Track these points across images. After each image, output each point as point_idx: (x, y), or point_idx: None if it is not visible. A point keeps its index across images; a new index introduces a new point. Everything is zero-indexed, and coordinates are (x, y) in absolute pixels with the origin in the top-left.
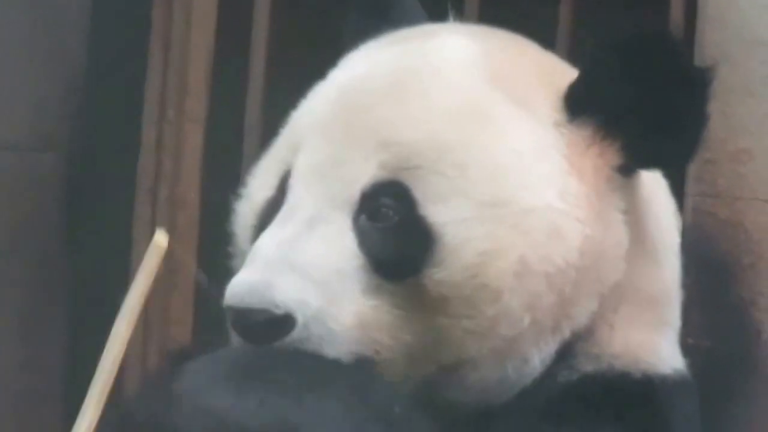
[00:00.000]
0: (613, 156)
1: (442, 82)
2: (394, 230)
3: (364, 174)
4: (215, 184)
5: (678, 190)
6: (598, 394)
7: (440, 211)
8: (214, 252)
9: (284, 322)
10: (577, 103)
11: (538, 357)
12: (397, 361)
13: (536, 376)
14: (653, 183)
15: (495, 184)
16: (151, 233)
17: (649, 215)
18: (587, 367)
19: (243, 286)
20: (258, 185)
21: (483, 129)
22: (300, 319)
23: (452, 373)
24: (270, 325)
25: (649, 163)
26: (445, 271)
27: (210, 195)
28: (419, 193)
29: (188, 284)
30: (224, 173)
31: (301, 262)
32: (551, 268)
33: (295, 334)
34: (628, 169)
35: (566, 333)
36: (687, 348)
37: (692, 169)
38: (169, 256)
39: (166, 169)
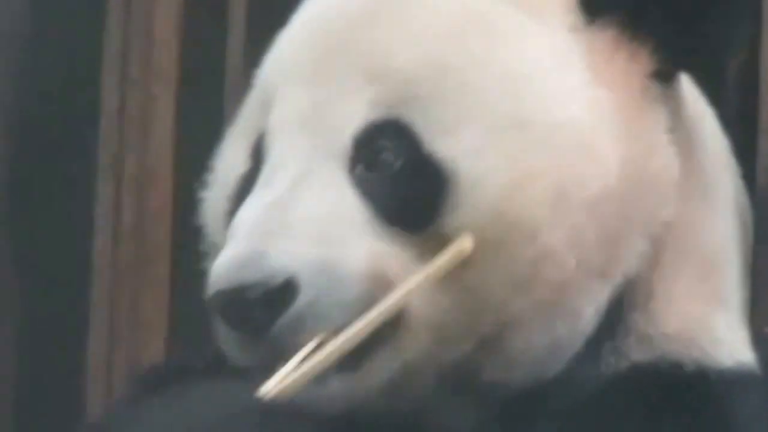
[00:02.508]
0: (645, 60)
1: None
2: (399, 177)
3: (353, 116)
4: (191, 156)
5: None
6: (650, 393)
7: (450, 143)
8: (193, 239)
9: (285, 290)
10: (594, 1)
11: (590, 309)
12: (425, 333)
13: (582, 352)
14: (701, 106)
15: (509, 102)
16: (116, 216)
17: (699, 140)
18: (637, 353)
19: (228, 264)
20: (226, 164)
21: (488, 41)
22: (303, 279)
23: (493, 344)
24: (269, 301)
25: (688, 62)
26: (467, 214)
27: (185, 170)
28: (422, 127)
29: (161, 279)
30: (202, 143)
31: (294, 222)
32: (589, 194)
33: (301, 300)
34: (666, 76)
35: (617, 277)
36: (760, 338)
37: (764, 122)
38: (139, 245)
39: (131, 140)
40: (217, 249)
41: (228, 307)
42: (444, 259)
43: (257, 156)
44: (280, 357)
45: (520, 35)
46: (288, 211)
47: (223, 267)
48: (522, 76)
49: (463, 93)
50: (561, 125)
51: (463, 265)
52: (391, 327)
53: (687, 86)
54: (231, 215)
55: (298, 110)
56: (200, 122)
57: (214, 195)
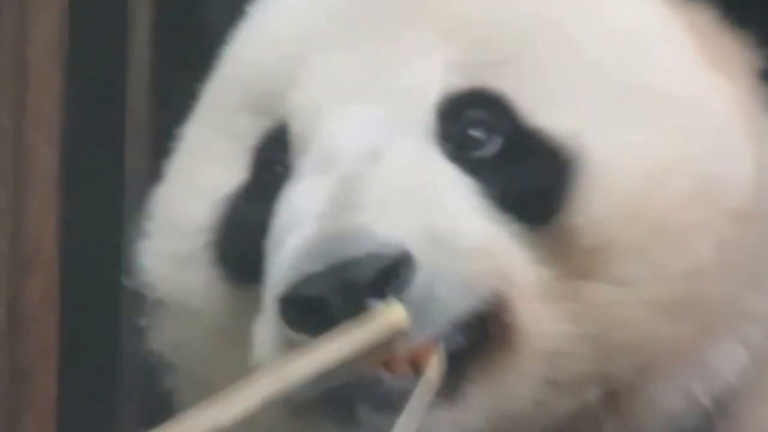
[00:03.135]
0: (750, 55)
1: None
2: (503, 158)
3: (429, 83)
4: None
5: None
6: None
7: (561, 116)
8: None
9: (401, 268)
10: None
11: (728, 364)
12: (538, 364)
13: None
14: None
15: (628, 65)
16: None
17: None
18: None
19: (312, 245)
20: (182, 192)
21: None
22: (422, 252)
23: (622, 395)
24: (381, 280)
25: None
26: (597, 207)
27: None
28: (518, 96)
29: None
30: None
31: (386, 193)
32: (732, 197)
33: (419, 279)
34: None
35: (759, 326)
36: None
37: None
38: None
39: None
40: (168, 310)
41: (322, 297)
42: (369, 331)
43: (267, 159)
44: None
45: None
46: (373, 183)
47: (304, 251)
48: (637, 37)
49: (567, 51)
50: (694, 102)
51: (588, 272)
52: (497, 346)
53: None
54: (230, 245)
55: (347, 81)
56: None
57: (169, 240)
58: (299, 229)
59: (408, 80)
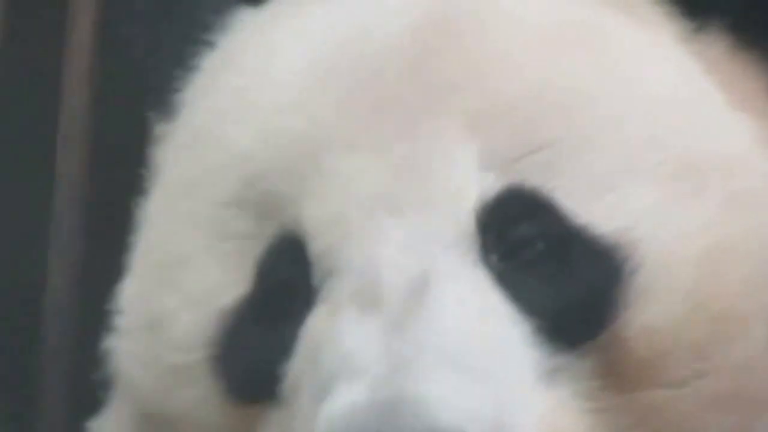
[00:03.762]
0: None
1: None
2: (546, 265)
3: (465, 184)
4: None
5: None
6: None
7: (608, 209)
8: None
9: None
10: (698, 3)
11: None
12: None
13: None
14: None
15: (671, 136)
16: None
17: None
18: None
19: (368, 412)
20: (164, 293)
21: (612, 58)
22: None
23: None
24: None
25: None
26: (655, 308)
27: None
28: (561, 189)
29: None
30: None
31: (438, 347)
32: None
33: None
34: None
35: None
36: None
37: None
38: None
39: None
40: (153, 422)
41: None
42: None
43: (273, 274)
44: None
45: (640, 49)
46: (424, 332)
47: (354, 416)
48: (677, 100)
49: (609, 129)
50: (737, 162)
51: (647, 381)
52: None
53: None
54: (230, 365)
55: (371, 188)
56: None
57: (152, 348)
58: (349, 382)
59: (441, 183)
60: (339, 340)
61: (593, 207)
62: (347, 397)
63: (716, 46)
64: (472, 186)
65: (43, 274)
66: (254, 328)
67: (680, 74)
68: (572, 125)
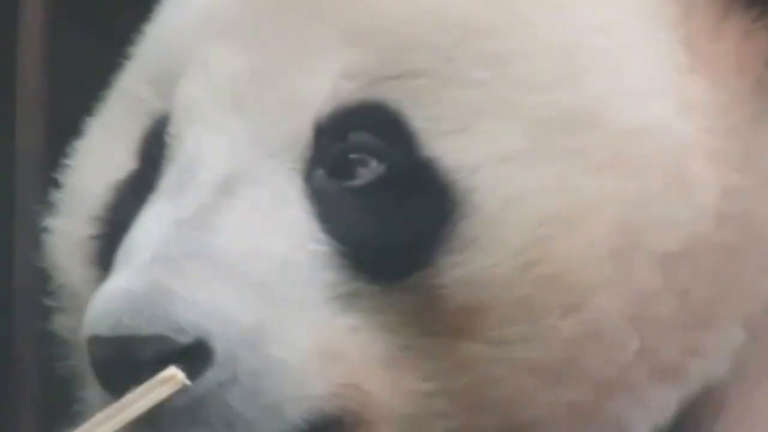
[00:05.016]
0: (765, 39)
1: None
2: (379, 191)
3: (316, 93)
4: None
5: None
6: None
7: (462, 146)
8: None
9: (192, 355)
10: None
11: (643, 428)
12: (398, 429)
13: None
14: None
15: (562, 89)
16: None
17: None
18: None
19: (118, 300)
20: (90, 172)
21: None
22: (220, 347)
23: None
24: (167, 363)
25: None
26: (479, 258)
27: None
28: (418, 118)
29: None
30: None
31: (217, 253)
32: (673, 245)
33: (212, 374)
34: None
35: (693, 383)
36: None
37: None
38: None
39: None
40: (75, 298)
41: (108, 365)
42: (150, 395)
43: (153, 149)
44: None
45: None
46: (210, 235)
47: (107, 304)
48: (581, 48)
49: (487, 68)
50: (636, 132)
51: (461, 333)
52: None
53: None
54: (106, 241)
55: (230, 81)
56: None
57: (70, 220)
58: (127, 264)
59: (291, 88)
60: (138, 226)
61: (445, 142)
62: (113, 281)
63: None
64: (322, 96)
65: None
66: (124, 208)
67: (625, 17)
68: (448, 58)
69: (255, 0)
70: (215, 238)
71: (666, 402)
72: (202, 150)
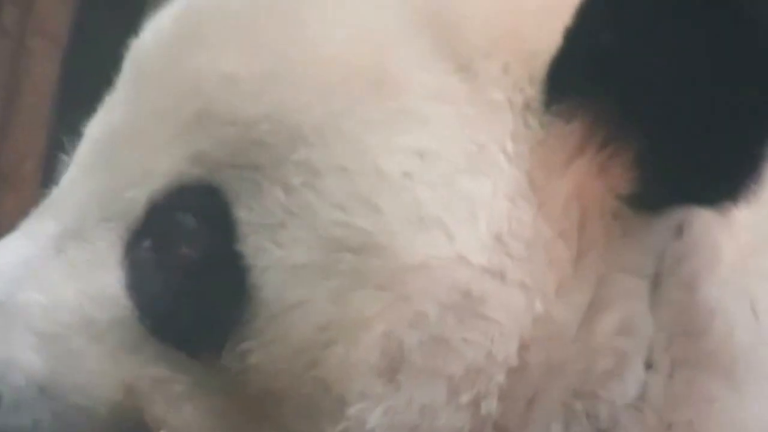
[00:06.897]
0: (620, 176)
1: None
2: (190, 273)
3: (162, 166)
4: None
5: None
6: None
7: (266, 246)
8: None
9: None
10: (566, 74)
11: None
12: None
13: None
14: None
15: (360, 210)
16: None
17: (717, 284)
18: None
19: None
20: None
21: (372, 105)
22: (6, 391)
23: None
24: None
25: (684, 195)
26: (264, 351)
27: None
28: (244, 210)
29: None
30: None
31: (19, 304)
32: (455, 366)
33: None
34: (651, 203)
35: None
36: None
37: None
38: None
39: None
40: None
41: None
42: None
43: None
44: None
45: (421, 108)
46: (24, 285)
47: None
48: (395, 176)
49: (302, 172)
50: (424, 266)
51: (267, 417)
52: None
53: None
54: None
55: (101, 134)
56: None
57: None
58: None
59: (141, 159)
60: None
61: (256, 239)
62: None
63: (562, 126)
64: (164, 172)
65: None
66: None
67: (442, 151)
68: (278, 160)
69: (141, 61)
70: (26, 288)
71: None
72: (62, 194)
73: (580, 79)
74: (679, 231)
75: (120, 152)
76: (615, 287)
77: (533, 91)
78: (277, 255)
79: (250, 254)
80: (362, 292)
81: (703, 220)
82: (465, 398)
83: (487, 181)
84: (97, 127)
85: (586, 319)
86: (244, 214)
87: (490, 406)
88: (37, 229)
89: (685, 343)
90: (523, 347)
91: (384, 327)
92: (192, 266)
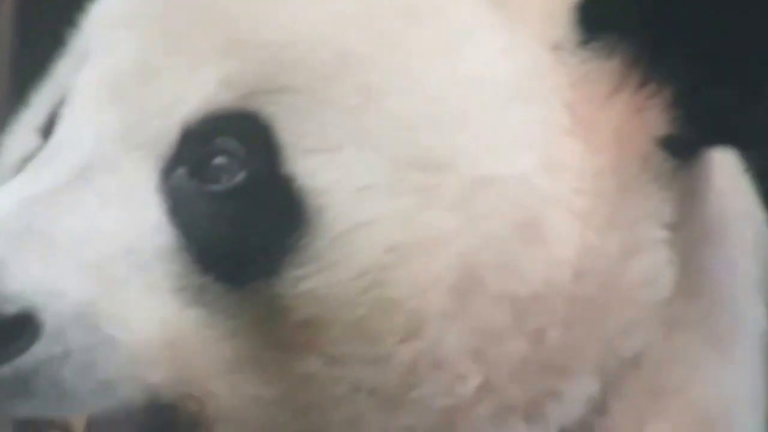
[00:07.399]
0: (656, 117)
1: None
2: (235, 198)
3: (191, 94)
4: None
5: None
6: None
7: (323, 167)
8: None
9: (19, 327)
10: (600, 12)
11: None
12: None
13: None
14: (735, 189)
15: (427, 129)
16: None
17: (720, 247)
18: None
19: None
20: (17, 141)
21: (419, 33)
22: (49, 320)
23: None
24: None
25: (725, 135)
26: (323, 275)
27: None
28: (288, 134)
29: None
30: None
31: (59, 231)
32: (521, 288)
33: (40, 348)
34: (684, 147)
35: (547, 427)
36: None
37: None
38: None
39: None
40: None
41: None
42: None
43: (50, 125)
44: None
45: (470, 32)
46: (56, 214)
47: None
48: (454, 93)
49: (357, 97)
50: (495, 180)
51: (301, 347)
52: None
53: (719, 155)
54: None
55: (113, 72)
56: None
57: None
58: None
59: (168, 87)
60: None
61: (307, 161)
62: None
63: (598, 66)
64: (195, 99)
65: None
66: None
67: (504, 73)
68: (326, 81)
69: (148, 10)
70: (60, 217)
71: None
72: (71, 134)
73: (615, 15)
74: (697, 189)
75: (138, 86)
76: (643, 235)
77: (569, 26)
78: (336, 176)
79: (305, 177)
80: (433, 211)
81: (717, 185)
82: (530, 324)
83: (536, 109)
84: (92, 73)
85: (619, 263)
86: (288, 137)
87: (554, 335)
88: (48, 171)
89: (684, 304)
90: (577, 276)
91: (459, 245)
92: (237, 191)
